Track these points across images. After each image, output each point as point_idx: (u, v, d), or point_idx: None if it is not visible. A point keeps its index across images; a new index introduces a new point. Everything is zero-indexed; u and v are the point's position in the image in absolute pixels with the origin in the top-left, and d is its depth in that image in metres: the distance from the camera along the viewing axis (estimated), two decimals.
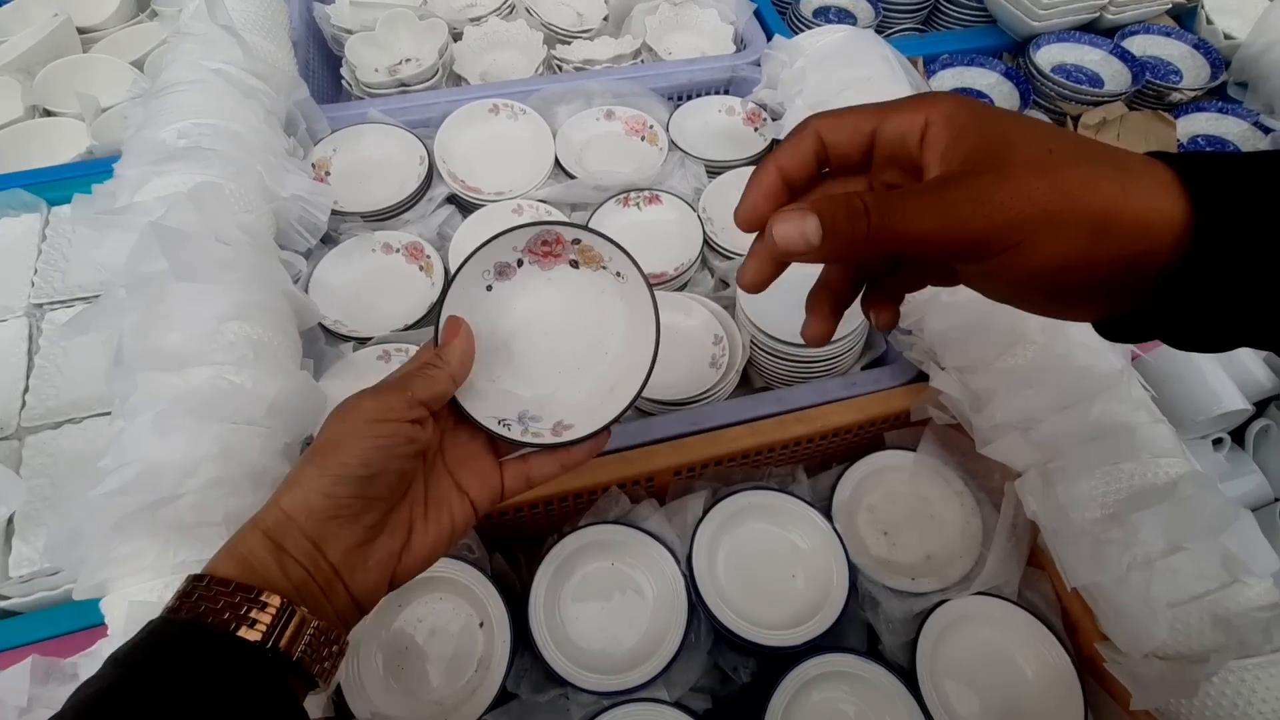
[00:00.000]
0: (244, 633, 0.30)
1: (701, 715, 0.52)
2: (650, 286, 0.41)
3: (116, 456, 0.45)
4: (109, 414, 0.62)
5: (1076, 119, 0.92)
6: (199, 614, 0.30)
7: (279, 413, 0.49)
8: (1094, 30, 1.01)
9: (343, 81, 0.91)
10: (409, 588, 0.53)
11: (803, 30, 0.88)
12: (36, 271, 0.74)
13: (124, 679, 0.29)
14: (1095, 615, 0.50)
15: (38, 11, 1.00)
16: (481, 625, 0.53)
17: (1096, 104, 0.92)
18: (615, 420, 0.40)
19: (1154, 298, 0.27)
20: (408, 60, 0.93)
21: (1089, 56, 0.99)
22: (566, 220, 0.45)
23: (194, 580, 0.32)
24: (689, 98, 0.89)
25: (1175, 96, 0.96)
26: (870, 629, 0.57)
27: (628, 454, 0.58)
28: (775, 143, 0.84)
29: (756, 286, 0.33)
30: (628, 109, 0.85)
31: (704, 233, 0.75)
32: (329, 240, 0.74)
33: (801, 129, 0.32)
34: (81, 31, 0.99)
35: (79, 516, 0.43)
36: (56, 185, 0.80)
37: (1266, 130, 0.93)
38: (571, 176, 0.80)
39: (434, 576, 0.53)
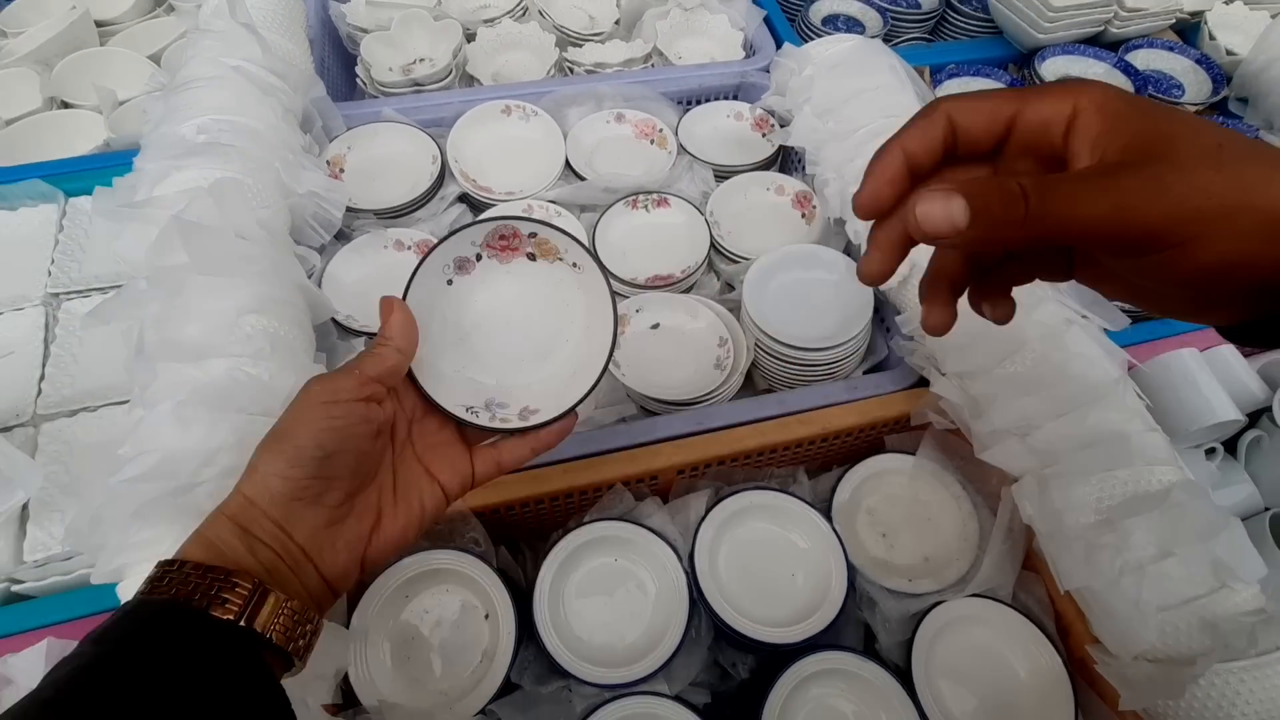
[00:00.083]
0: (217, 611, 0.31)
1: (701, 709, 0.52)
2: (606, 275, 0.43)
3: (136, 444, 0.46)
4: (124, 402, 0.64)
5: None
6: (172, 595, 0.31)
7: None
8: (1098, 43, 1.03)
9: (357, 80, 0.92)
10: (416, 579, 0.54)
11: (811, 37, 0.89)
12: (53, 261, 0.75)
13: (101, 656, 0.29)
14: (1087, 618, 0.51)
15: (56, 4, 1.01)
16: (487, 617, 0.54)
17: None
18: (579, 403, 0.42)
19: None
20: (422, 60, 0.94)
21: (1093, 69, 1.00)
22: (522, 215, 0.47)
23: (164, 566, 0.33)
24: (698, 102, 0.90)
25: None
26: (867, 628, 0.58)
27: (632, 452, 0.59)
28: (783, 149, 0.85)
29: (880, 277, 0.31)
30: (638, 112, 0.86)
31: (711, 236, 0.75)
32: (342, 236, 0.75)
33: (930, 111, 0.30)
34: (99, 24, 1.01)
35: (100, 502, 0.44)
36: (74, 176, 0.80)
37: None
38: (581, 178, 0.81)
39: (441, 568, 0.54)
